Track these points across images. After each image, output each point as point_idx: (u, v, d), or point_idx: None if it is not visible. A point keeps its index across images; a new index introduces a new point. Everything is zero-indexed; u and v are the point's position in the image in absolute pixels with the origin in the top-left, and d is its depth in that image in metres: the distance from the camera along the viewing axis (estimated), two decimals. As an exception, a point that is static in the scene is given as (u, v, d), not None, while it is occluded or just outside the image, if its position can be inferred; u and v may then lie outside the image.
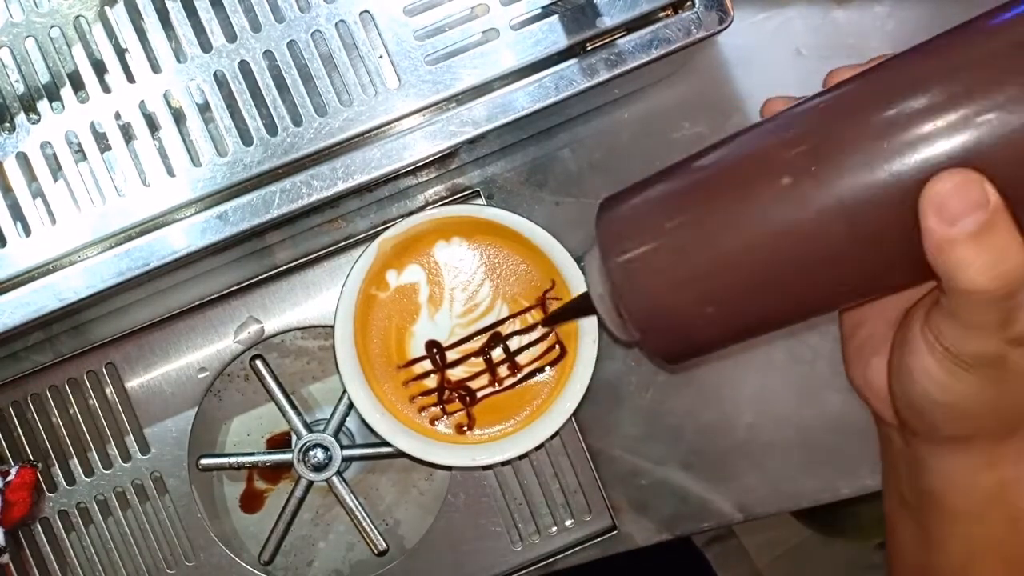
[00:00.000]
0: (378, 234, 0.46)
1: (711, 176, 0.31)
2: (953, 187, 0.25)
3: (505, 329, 0.47)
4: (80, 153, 0.41)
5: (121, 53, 0.41)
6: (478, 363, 0.47)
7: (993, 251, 0.25)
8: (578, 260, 0.45)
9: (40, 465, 0.51)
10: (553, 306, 0.46)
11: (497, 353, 0.47)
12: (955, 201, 0.25)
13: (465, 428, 0.47)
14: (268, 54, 0.41)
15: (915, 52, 0.28)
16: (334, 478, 0.51)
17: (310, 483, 0.51)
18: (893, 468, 0.37)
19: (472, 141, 0.42)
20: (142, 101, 0.41)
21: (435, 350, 0.46)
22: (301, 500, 0.52)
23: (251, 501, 0.55)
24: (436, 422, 0.47)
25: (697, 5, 0.41)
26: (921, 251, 0.26)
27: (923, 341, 0.30)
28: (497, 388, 0.47)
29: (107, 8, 0.41)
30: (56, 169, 0.41)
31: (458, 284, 0.47)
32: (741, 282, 0.30)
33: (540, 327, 0.46)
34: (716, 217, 0.30)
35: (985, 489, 0.33)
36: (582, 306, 0.36)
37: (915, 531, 0.36)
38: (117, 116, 0.41)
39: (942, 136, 0.26)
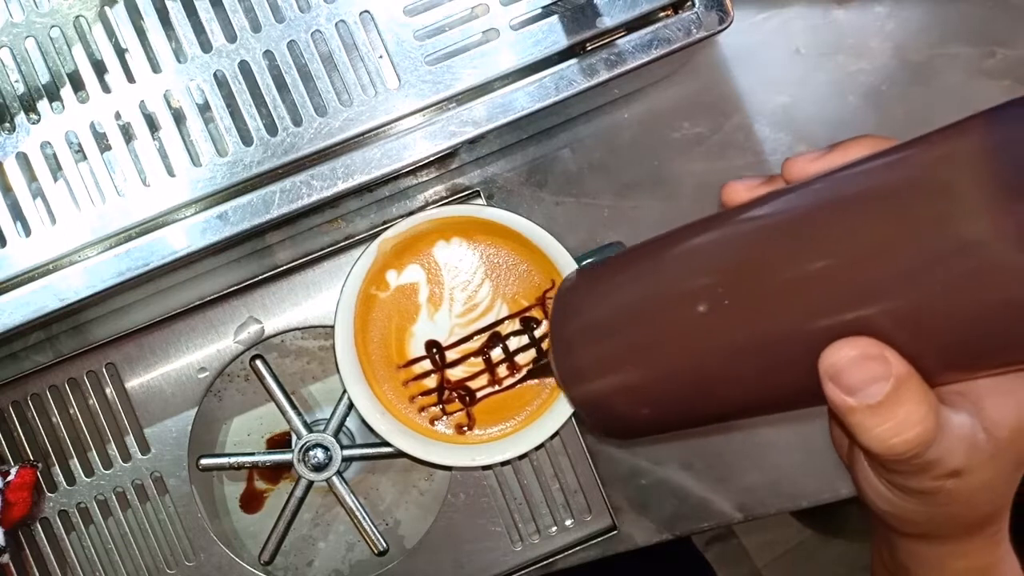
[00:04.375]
0: (378, 234, 0.45)
1: (638, 290, 0.32)
2: (849, 361, 0.24)
3: (505, 329, 0.47)
4: (80, 153, 0.41)
5: (121, 53, 0.41)
6: (478, 363, 0.47)
7: (893, 420, 0.24)
8: (578, 260, 0.45)
9: (40, 465, 0.51)
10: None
11: (497, 353, 0.47)
12: (853, 373, 0.24)
13: (465, 428, 0.47)
14: (268, 54, 0.41)
15: (838, 188, 0.26)
16: (334, 478, 0.51)
17: (310, 483, 0.51)
18: (874, 529, 0.37)
19: (472, 141, 0.42)
20: (142, 101, 0.41)
21: (435, 350, 0.46)
22: (301, 500, 0.52)
23: (251, 501, 0.55)
24: (436, 422, 0.47)
25: (697, 5, 0.41)
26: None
27: (868, 459, 0.29)
28: (497, 388, 0.47)
29: (107, 8, 0.41)
30: (56, 169, 0.41)
31: (458, 284, 0.47)
32: (670, 392, 0.31)
33: (530, 376, 0.47)
34: (641, 330, 0.31)
35: (957, 573, 0.33)
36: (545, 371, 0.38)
37: None
38: (117, 116, 0.41)
39: (851, 292, 0.24)
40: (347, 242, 0.52)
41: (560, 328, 0.34)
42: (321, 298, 0.52)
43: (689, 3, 0.42)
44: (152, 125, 0.41)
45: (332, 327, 0.45)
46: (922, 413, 0.24)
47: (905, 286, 0.23)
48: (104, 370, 0.52)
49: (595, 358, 0.33)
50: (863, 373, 0.24)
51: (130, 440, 0.52)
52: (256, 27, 0.41)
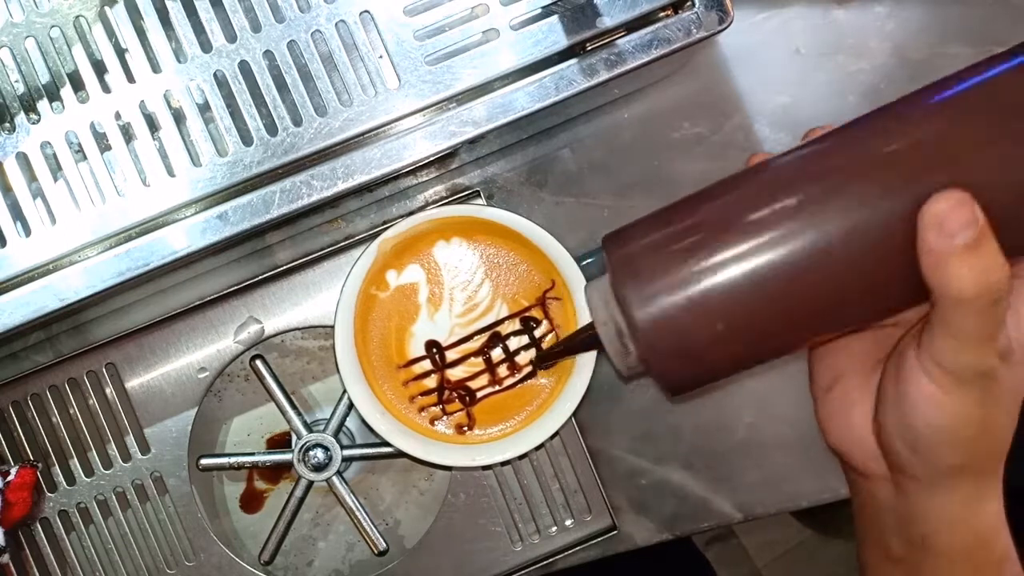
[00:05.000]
0: (378, 234, 0.45)
1: (720, 204, 0.32)
2: (949, 207, 0.28)
3: (505, 329, 0.47)
4: (80, 153, 0.41)
5: (121, 53, 0.41)
6: (478, 363, 0.47)
7: (981, 263, 0.28)
8: (578, 260, 0.45)
9: (40, 465, 0.51)
10: (553, 306, 0.46)
11: (497, 353, 0.47)
12: (952, 218, 0.28)
13: (465, 428, 0.47)
14: (268, 54, 0.41)
15: (903, 102, 0.31)
16: (334, 478, 0.51)
17: (310, 483, 0.51)
18: (876, 523, 0.37)
19: (472, 141, 0.42)
20: (142, 101, 0.41)
21: (435, 350, 0.46)
22: (301, 500, 0.52)
23: (251, 501, 0.55)
24: (436, 422, 0.47)
25: (697, 5, 0.41)
26: (909, 272, 0.29)
27: (919, 366, 0.31)
28: (497, 388, 0.47)
29: (107, 8, 0.41)
30: (56, 169, 0.41)
31: (458, 284, 0.47)
32: (748, 298, 0.31)
33: (534, 367, 0.47)
34: (725, 236, 0.31)
35: (976, 528, 0.34)
36: (582, 340, 0.37)
37: None
38: (117, 116, 0.41)
39: (937, 165, 0.29)
40: (347, 242, 0.52)
41: (622, 257, 0.33)
42: (321, 298, 0.52)
43: (689, 3, 0.42)
44: (152, 125, 0.41)
45: (332, 327, 0.45)
46: (1001, 257, 0.28)
47: (984, 157, 0.29)
48: (104, 370, 0.52)
49: (673, 276, 0.32)
50: (960, 217, 0.28)
51: (130, 440, 0.52)
52: (256, 27, 0.41)
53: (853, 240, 0.29)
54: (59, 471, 0.51)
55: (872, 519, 0.37)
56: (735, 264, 0.31)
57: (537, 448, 0.47)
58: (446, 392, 0.47)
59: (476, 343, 0.46)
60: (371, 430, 0.45)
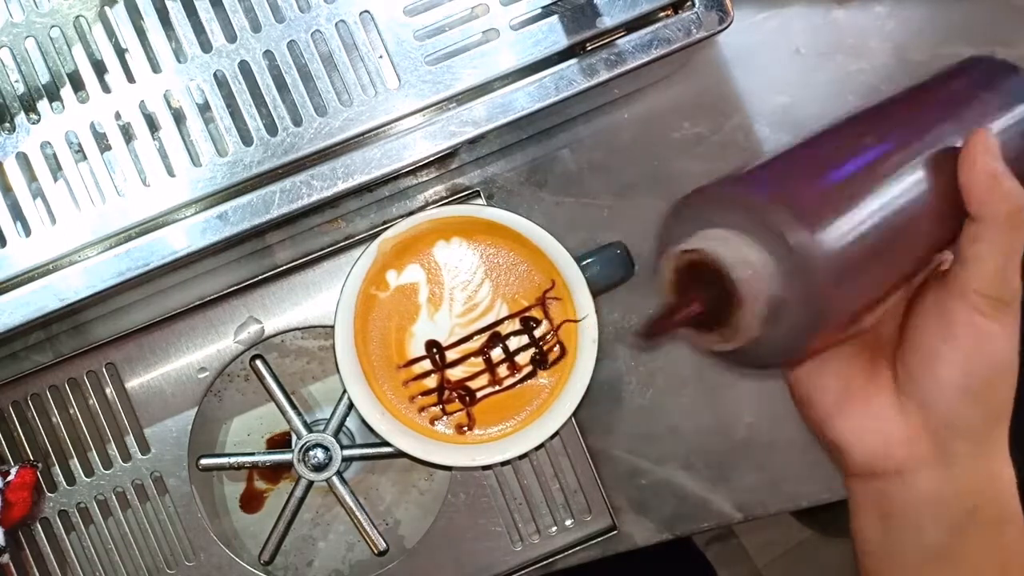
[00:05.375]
0: (378, 234, 0.45)
1: (852, 142, 0.37)
2: (989, 136, 0.34)
3: (505, 329, 0.47)
4: (80, 153, 0.41)
5: (121, 53, 0.41)
6: (478, 363, 0.47)
7: (1008, 185, 0.33)
8: (578, 260, 0.45)
9: (40, 465, 0.51)
10: (553, 306, 0.46)
11: (497, 353, 0.47)
12: (993, 144, 0.34)
13: (465, 428, 0.47)
14: (268, 54, 0.41)
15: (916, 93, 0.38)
16: (334, 478, 0.51)
17: (310, 483, 0.51)
18: (909, 522, 0.37)
19: (472, 141, 0.42)
20: (142, 101, 0.41)
21: (435, 350, 0.46)
22: (301, 500, 0.52)
23: (251, 501, 0.55)
24: (436, 422, 0.47)
25: (697, 5, 0.41)
26: (952, 208, 0.34)
27: (966, 305, 0.34)
28: (497, 388, 0.47)
29: (107, 8, 0.41)
30: (56, 169, 0.41)
31: (458, 284, 0.47)
32: (881, 220, 0.34)
33: (645, 339, 0.45)
34: (859, 170, 0.36)
35: (1011, 485, 0.36)
36: (715, 292, 0.36)
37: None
38: (117, 116, 0.41)
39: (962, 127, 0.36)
40: (347, 242, 0.52)
41: (764, 193, 0.36)
42: (321, 298, 0.52)
43: (689, 3, 0.42)
44: (152, 125, 0.41)
45: (332, 327, 0.45)
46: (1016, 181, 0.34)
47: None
48: (104, 370, 0.52)
49: (815, 200, 0.34)
50: (996, 144, 0.34)
51: (130, 440, 0.52)
52: (256, 27, 0.41)
53: (931, 177, 0.35)
54: (59, 471, 0.51)
55: (906, 520, 0.37)
56: (870, 187, 0.34)
57: (537, 448, 0.47)
58: (446, 392, 0.47)
59: (476, 343, 0.46)
60: (371, 430, 0.45)
